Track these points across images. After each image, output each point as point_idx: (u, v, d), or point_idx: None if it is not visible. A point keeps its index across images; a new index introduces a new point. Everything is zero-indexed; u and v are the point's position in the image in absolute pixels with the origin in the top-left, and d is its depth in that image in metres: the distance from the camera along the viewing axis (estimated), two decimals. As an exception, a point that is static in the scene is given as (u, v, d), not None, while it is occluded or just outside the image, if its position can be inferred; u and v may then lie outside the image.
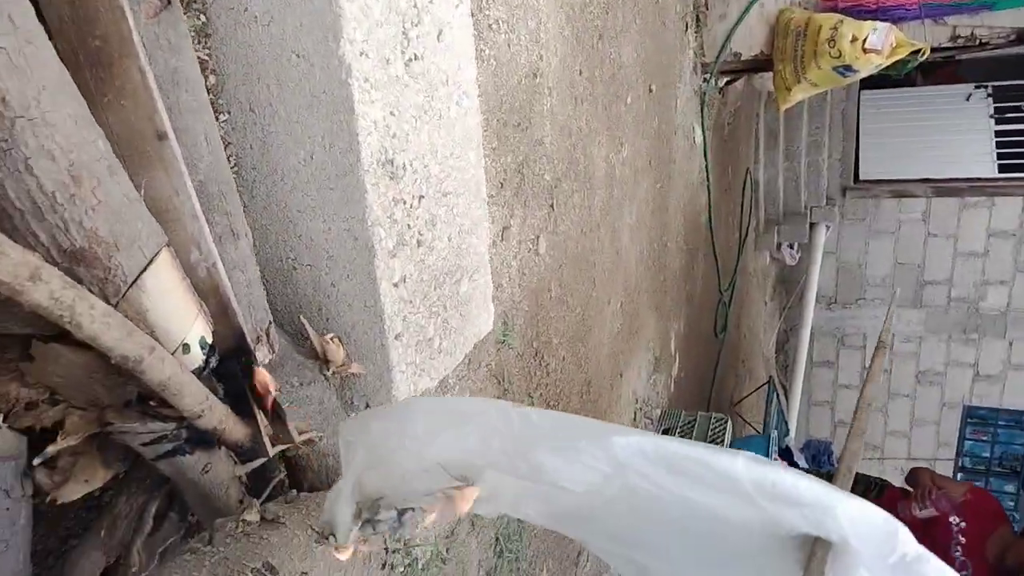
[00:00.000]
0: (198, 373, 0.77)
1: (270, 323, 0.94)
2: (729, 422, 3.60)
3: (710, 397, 4.99)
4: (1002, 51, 3.87)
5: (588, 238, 2.72)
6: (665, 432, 3.58)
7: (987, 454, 6.97)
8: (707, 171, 4.43)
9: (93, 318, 0.59)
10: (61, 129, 0.59)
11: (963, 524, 2.90)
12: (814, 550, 0.56)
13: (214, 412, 0.76)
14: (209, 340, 0.78)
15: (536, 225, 2.27)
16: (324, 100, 1.00)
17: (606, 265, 2.94)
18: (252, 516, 0.78)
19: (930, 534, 2.93)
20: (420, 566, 1.80)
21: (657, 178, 3.53)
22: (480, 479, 0.66)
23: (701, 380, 4.82)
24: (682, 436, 3.53)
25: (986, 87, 6.39)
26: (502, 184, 2.04)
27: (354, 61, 0.97)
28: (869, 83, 5.44)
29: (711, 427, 3.58)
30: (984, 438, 6.92)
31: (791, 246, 6.39)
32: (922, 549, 0.58)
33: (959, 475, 7.08)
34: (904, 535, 0.57)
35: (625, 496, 0.61)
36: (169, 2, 0.76)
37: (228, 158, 1.11)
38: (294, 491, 0.93)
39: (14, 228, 0.60)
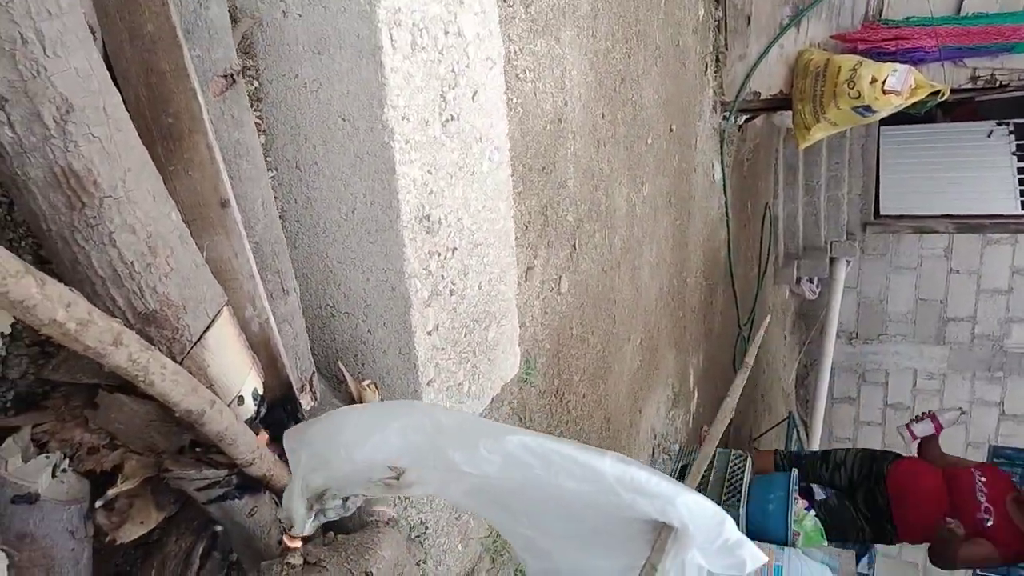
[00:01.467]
0: (250, 422, 0.82)
1: (313, 372, 0.99)
2: (748, 458, 3.59)
3: (729, 433, 4.96)
4: (1022, 93, 3.89)
5: (609, 276, 2.76)
6: (683, 468, 3.56)
7: (1014, 495, 6.81)
8: (726, 207, 4.47)
9: (164, 376, 0.65)
10: (141, 205, 0.65)
11: (984, 478, 3.15)
12: (660, 533, 0.70)
13: (264, 460, 0.81)
14: (260, 391, 0.84)
15: (559, 265, 2.32)
16: (367, 160, 1.06)
17: (626, 302, 2.97)
18: (296, 560, 0.82)
19: (954, 484, 3.15)
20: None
21: (677, 215, 3.57)
22: (407, 469, 0.76)
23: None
24: (703, 474, 3.53)
25: (1008, 124, 6.39)
26: (527, 226, 2.10)
27: (396, 125, 1.04)
28: (889, 119, 5.47)
29: (730, 463, 3.57)
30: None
31: (811, 280, 6.38)
32: (741, 535, 0.71)
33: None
34: (729, 524, 0.71)
35: (514, 483, 0.74)
36: (234, 80, 0.83)
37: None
38: (331, 533, 0.97)
39: (95, 293, 0.66)
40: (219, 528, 0.90)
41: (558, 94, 2.19)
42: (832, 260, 5.70)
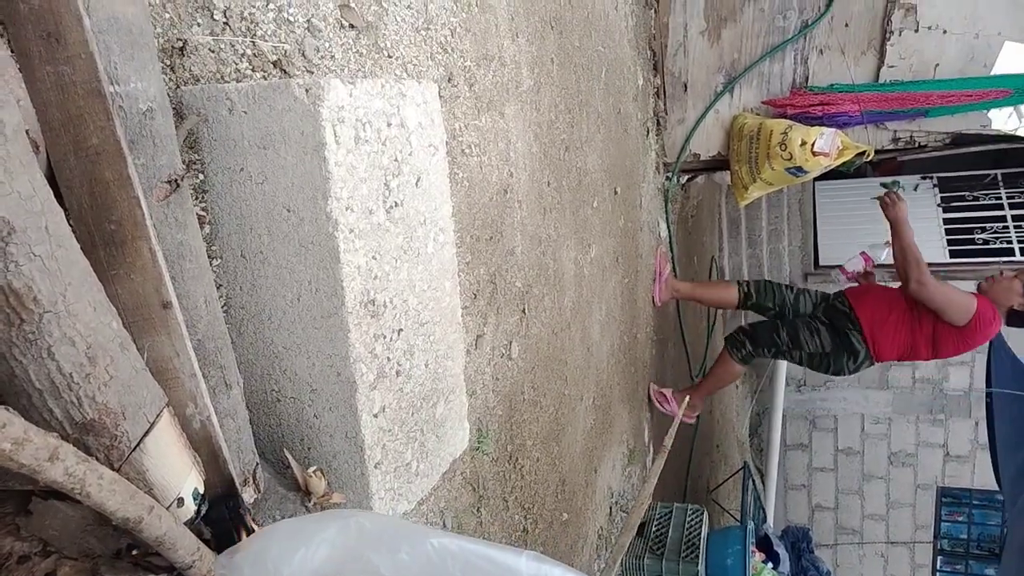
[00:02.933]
0: (190, 523, 0.82)
1: (256, 465, 0.99)
2: (705, 513, 3.61)
3: (686, 486, 4.99)
4: (940, 152, 4.18)
5: (559, 338, 2.81)
6: (642, 526, 3.57)
7: (964, 535, 6.98)
8: (673, 262, 4.61)
9: (101, 487, 0.65)
10: (81, 317, 0.66)
11: None
12: None
13: (204, 561, 0.80)
14: (201, 490, 0.83)
15: (509, 331, 2.36)
16: (312, 249, 1.09)
17: (578, 363, 3.02)
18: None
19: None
20: None
21: (625, 273, 3.68)
22: None
23: (676, 469, 4.83)
24: (658, 528, 3.53)
25: (931, 178, 6.81)
26: (475, 295, 2.14)
27: (340, 216, 1.07)
28: (824, 175, 5.78)
29: (687, 519, 3.59)
30: (960, 519, 6.95)
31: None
32: None
33: (939, 559, 7.05)
34: None
35: None
36: (178, 185, 0.85)
37: (220, 299, 1.19)
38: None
39: (31, 405, 0.66)
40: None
41: (503, 166, 2.27)
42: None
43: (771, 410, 5.97)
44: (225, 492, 0.88)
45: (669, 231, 4.61)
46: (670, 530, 3.49)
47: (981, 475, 6.57)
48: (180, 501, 0.80)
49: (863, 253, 3.82)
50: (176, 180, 0.84)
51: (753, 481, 5.20)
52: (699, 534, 3.42)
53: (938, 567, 7.07)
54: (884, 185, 3.51)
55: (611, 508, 3.41)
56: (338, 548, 0.79)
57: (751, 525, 3.59)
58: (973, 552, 7.00)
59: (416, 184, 1.26)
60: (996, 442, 4.20)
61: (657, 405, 4.02)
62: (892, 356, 3.32)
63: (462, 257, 2.08)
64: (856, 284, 3.80)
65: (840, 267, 3.89)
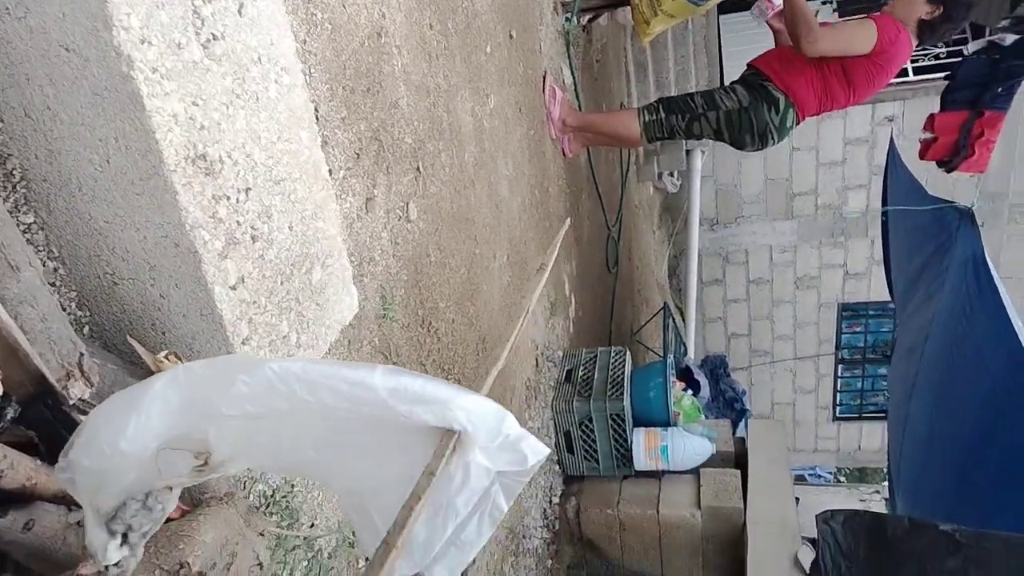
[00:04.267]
0: (-10, 429, 0.69)
1: (81, 355, 0.85)
2: (627, 353, 3.74)
3: (610, 331, 5.16)
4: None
5: (463, 196, 2.68)
6: (569, 372, 3.67)
7: (862, 344, 7.66)
8: (580, 110, 4.44)
9: None
10: None
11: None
12: (442, 438, 0.70)
13: (18, 470, 0.69)
14: (-2, 391, 0.70)
15: (403, 192, 2.20)
16: (108, 97, 0.89)
17: (487, 221, 2.91)
18: (88, 570, 0.72)
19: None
20: (327, 555, 1.77)
21: (530, 125, 3.51)
22: (212, 450, 0.70)
23: (600, 316, 4.96)
24: (585, 373, 3.64)
25: (831, 2, 6.71)
26: (358, 154, 1.95)
27: (134, 51, 0.87)
28: (726, 7, 5.60)
29: (612, 360, 3.70)
30: (858, 330, 7.58)
31: (671, 174, 6.60)
32: (522, 430, 0.73)
33: (840, 367, 7.76)
34: (510, 420, 0.72)
35: (279, 414, 0.70)
36: None
37: (12, 172, 0.98)
38: (144, 526, 0.86)
39: None
40: (-4, 550, 0.78)
41: (373, 5, 2.00)
42: (688, 152, 5.89)
43: (687, 251, 6.14)
44: (39, 390, 0.75)
45: (574, 78, 4.40)
46: (595, 372, 3.60)
47: (876, 289, 7.11)
48: (-36, 406, 0.66)
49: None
50: None
51: (673, 319, 5.42)
52: (623, 372, 3.55)
53: (839, 374, 7.80)
54: None
55: (536, 359, 3.47)
56: (171, 400, 0.69)
57: (671, 359, 3.75)
58: (869, 357, 7.73)
59: (239, 12, 1.05)
60: (890, 256, 4.46)
61: (546, 100, 3.67)
62: (812, 105, 3.15)
63: (336, 112, 1.86)
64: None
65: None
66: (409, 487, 0.67)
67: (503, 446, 0.71)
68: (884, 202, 4.43)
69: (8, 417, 0.72)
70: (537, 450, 0.73)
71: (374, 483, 0.76)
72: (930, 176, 4.32)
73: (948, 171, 4.13)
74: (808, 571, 2.67)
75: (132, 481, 0.74)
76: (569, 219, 1.30)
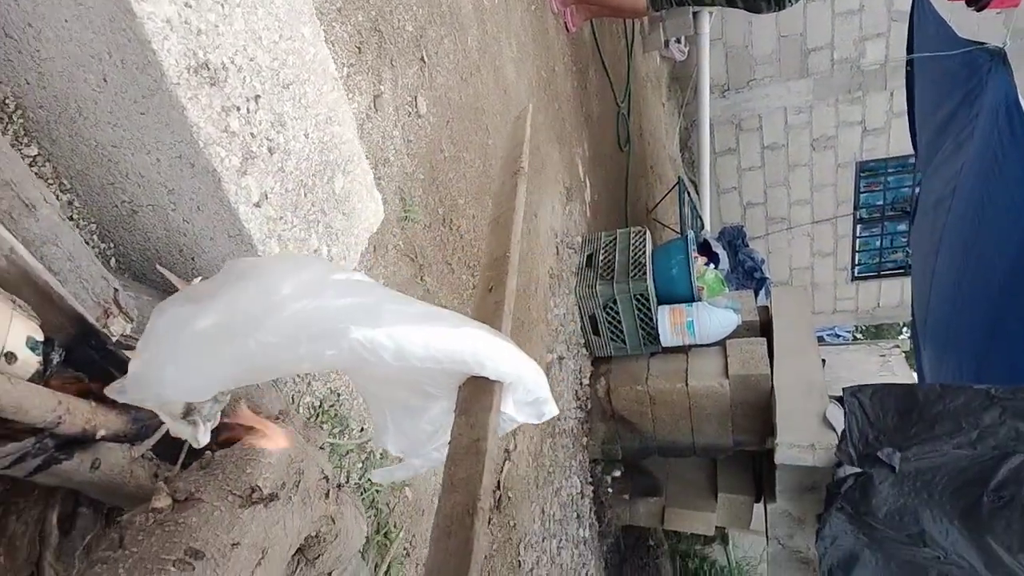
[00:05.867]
0: (41, 377, 0.67)
1: (116, 290, 0.81)
2: (647, 232, 3.68)
3: (626, 211, 5.08)
4: None
5: (470, 84, 2.54)
6: (589, 257, 3.63)
7: (880, 202, 7.52)
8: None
9: None
10: None
11: None
12: (494, 390, 0.72)
13: (75, 414, 0.67)
14: (39, 337, 0.67)
15: (410, 84, 2.08)
16: (92, 5, 0.80)
17: (496, 108, 2.78)
18: (162, 502, 0.72)
19: None
20: (379, 456, 1.82)
21: (531, 1, 3.27)
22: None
23: (615, 197, 4.87)
24: (606, 256, 3.60)
25: None
26: (360, 48, 1.83)
27: (112, -52, 0.77)
28: None
29: (632, 241, 3.66)
30: (877, 188, 7.42)
31: (678, 41, 6.25)
32: (548, 393, 0.78)
33: (858, 227, 7.67)
34: (543, 381, 0.77)
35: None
36: None
37: (4, 101, 0.91)
38: (209, 453, 0.87)
39: None
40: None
41: None
42: (695, 15, 5.53)
43: (698, 121, 5.91)
44: (80, 331, 0.72)
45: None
46: (616, 255, 3.56)
47: (896, 143, 6.88)
48: (9, 356, 0.64)
49: None
50: None
51: (688, 193, 5.32)
52: (644, 252, 3.51)
53: (857, 234, 7.72)
54: None
55: (557, 247, 3.43)
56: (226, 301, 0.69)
57: (690, 234, 3.69)
58: (888, 215, 7.62)
59: None
60: (915, 107, 4.26)
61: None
62: None
63: (331, 2, 1.72)
64: None
65: None
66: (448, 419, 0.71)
67: (532, 403, 0.77)
68: (909, 49, 4.18)
69: (55, 362, 0.70)
70: (552, 411, 0.81)
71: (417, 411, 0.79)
72: (954, 17, 4.02)
73: (978, 9, 3.84)
74: (835, 428, 2.74)
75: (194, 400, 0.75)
76: (531, 105, 1.22)
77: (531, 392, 0.75)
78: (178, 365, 0.68)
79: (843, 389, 2.69)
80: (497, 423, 0.68)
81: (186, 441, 0.89)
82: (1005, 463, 1.99)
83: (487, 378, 0.71)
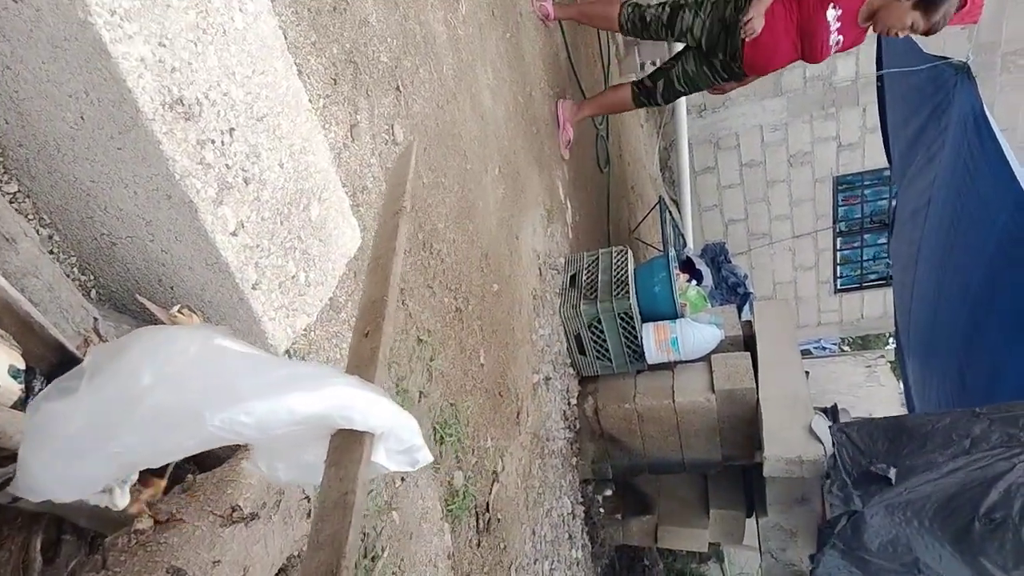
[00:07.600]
0: (23, 405, 0.69)
1: (95, 319, 0.84)
2: (629, 252, 3.74)
3: (609, 232, 5.14)
4: None
5: (447, 111, 2.59)
6: (573, 277, 3.67)
7: (859, 215, 7.65)
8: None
9: None
10: None
11: (839, 12, 3.10)
12: (364, 441, 0.71)
13: (57, 439, 0.69)
14: (21, 365, 0.69)
15: (386, 113, 2.13)
16: (69, 48, 0.84)
17: (474, 134, 2.84)
18: (144, 524, 0.74)
19: (808, 31, 3.16)
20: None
21: (505, 28, 3.35)
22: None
23: (597, 218, 4.93)
24: (589, 276, 3.65)
25: None
26: (335, 80, 1.87)
27: (87, -8, 0.81)
28: None
29: (614, 261, 3.70)
30: (855, 202, 7.55)
31: (654, 64, 6.38)
32: (422, 441, 0.77)
33: (838, 240, 7.79)
34: (416, 428, 0.76)
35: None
36: None
37: (-16, 141, 0.94)
38: (190, 476, 0.88)
39: None
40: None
41: (325, -86, 1.86)
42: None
43: (677, 141, 6.02)
44: (61, 360, 0.75)
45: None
46: (599, 274, 3.61)
47: (871, 157, 7.02)
48: (-9, 385, 0.66)
49: None
50: None
51: (669, 212, 5.39)
52: (626, 271, 3.56)
53: (838, 247, 7.84)
54: None
55: (540, 268, 3.47)
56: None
57: (672, 252, 3.75)
58: (867, 227, 7.75)
59: (190, -64, 0.97)
60: (887, 120, 4.37)
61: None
62: None
63: (305, 37, 1.77)
64: None
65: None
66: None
67: (405, 451, 0.77)
68: (879, 65, 4.30)
69: (36, 389, 0.72)
70: (426, 457, 0.80)
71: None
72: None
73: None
74: (820, 440, 2.76)
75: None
76: (414, 141, 1.26)
77: (404, 441, 0.75)
78: (56, 472, 0.67)
79: (829, 427, 2.72)
80: (367, 475, 0.67)
81: (169, 464, 0.91)
82: (994, 487, 2.01)
83: (356, 430, 0.71)
